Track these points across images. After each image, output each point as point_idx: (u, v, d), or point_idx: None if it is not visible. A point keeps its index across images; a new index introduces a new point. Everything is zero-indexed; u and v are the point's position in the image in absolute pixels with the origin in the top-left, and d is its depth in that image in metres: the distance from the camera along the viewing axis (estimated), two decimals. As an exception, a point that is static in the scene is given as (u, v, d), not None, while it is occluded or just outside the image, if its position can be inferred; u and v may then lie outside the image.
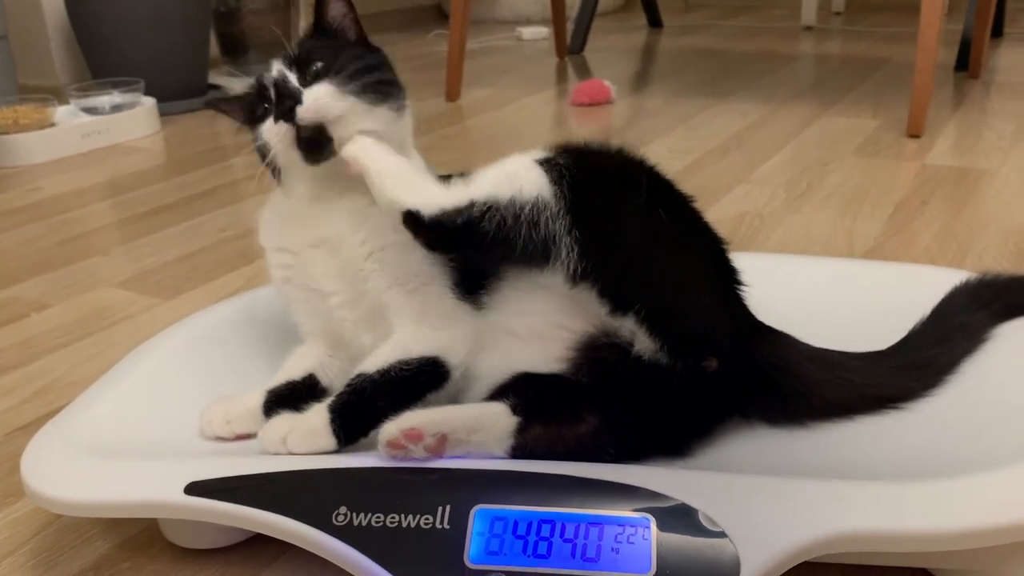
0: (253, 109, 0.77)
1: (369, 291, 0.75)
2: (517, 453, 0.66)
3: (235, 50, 2.69)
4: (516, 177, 0.66)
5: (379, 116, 0.75)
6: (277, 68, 0.75)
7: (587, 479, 0.64)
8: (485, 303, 0.73)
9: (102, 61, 2.35)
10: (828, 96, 2.28)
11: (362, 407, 0.70)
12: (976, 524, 0.59)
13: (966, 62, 2.40)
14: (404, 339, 0.73)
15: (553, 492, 0.63)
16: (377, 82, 0.75)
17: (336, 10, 0.78)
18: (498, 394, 0.72)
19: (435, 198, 0.66)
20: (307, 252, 0.77)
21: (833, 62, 2.78)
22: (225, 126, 2.29)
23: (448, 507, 0.63)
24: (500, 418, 0.67)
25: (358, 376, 0.71)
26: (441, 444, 0.64)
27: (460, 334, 0.73)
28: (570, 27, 2.98)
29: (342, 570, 0.72)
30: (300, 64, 0.74)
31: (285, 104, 0.73)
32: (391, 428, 0.65)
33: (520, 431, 0.66)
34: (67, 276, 1.37)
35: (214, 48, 2.65)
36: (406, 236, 0.68)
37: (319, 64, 0.73)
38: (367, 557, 0.61)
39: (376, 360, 0.72)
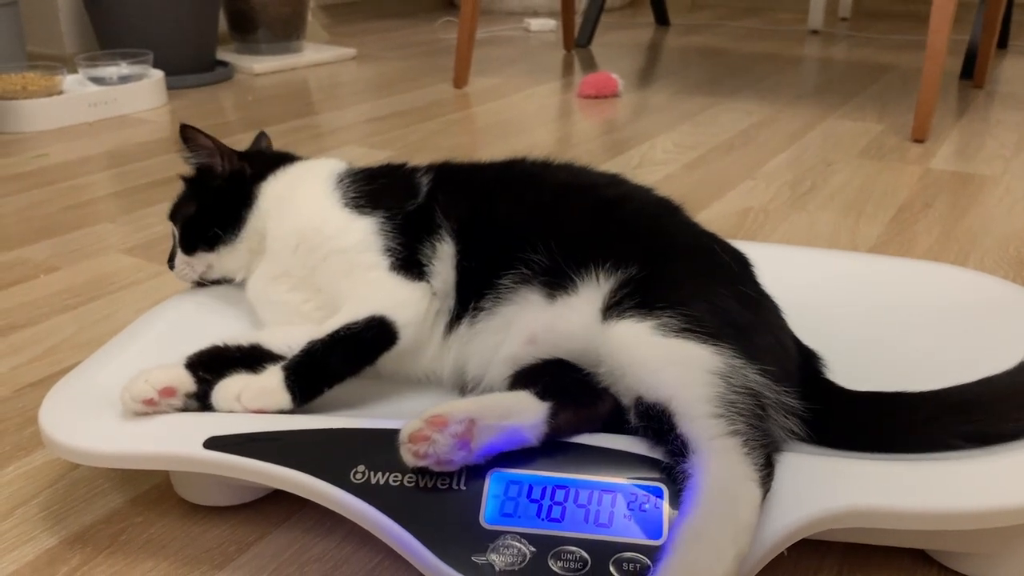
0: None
1: (324, 288, 0.83)
2: (548, 438, 0.66)
3: (244, 27, 2.69)
4: None
5: (221, 258, 0.89)
6: (173, 227, 0.91)
7: (602, 448, 0.65)
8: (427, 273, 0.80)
9: (111, 32, 2.34)
10: (833, 99, 2.30)
11: (315, 366, 0.74)
12: (975, 505, 0.61)
13: (971, 71, 2.42)
14: (350, 306, 0.78)
15: (568, 459, 0.65)
16: (205, 234, 0.88)
17: (194, 148, 0.89)
18: (515, 384, 0.73)
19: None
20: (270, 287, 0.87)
21: (838, 66, 2.80)
22: (231, 102, 2.30)
23: (464, 470, 0.64)
24: (530, 403, 0.67)
25: (310, 342, 0.75)
26: (470, 430, 0.63)
27: (403, 297, 0.78)
28: (578, 20, 2.99)
29: (350, 533, 0.74)
30: (173, 220, 0.91)
31: (171, 254, 0.92)
32: (413, 422, 0.63)
33: (552, 416, 0.66)
34: (74, 241, 1.38)
35: (222, 25, 2.64)
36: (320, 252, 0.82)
37: (177, 226, 0.90)
38: (384, 514, 0.62)
39: (326, 327, 0.76)
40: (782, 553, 0.60)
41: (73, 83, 2.12)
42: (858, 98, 2.31)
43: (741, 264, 0.80)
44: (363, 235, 0.81)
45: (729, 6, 3.96)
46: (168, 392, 0.71)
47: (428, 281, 0.79)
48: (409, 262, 0.80)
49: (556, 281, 0.75)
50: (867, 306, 0.91)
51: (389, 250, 0.80)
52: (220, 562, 0.71)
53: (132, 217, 1.47)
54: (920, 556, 0.71)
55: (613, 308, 0.71)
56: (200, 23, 2.46)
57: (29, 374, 0.99)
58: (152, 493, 0.79)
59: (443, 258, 0.80)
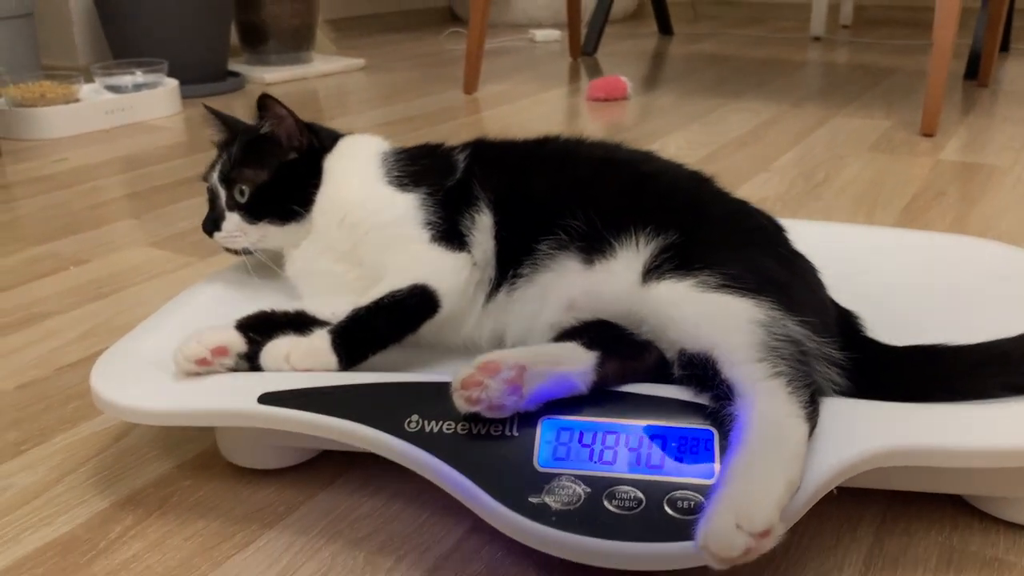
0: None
1: (366, 261, 0.84)
2: (597, 387, 0.67)
3: (255, 39, 2.72)
4: None
5: (285, 232, 0.87)
6: (215, 177, 0.88)
7: (649, 396, 0.66)
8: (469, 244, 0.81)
9: (124, 44, 2.37)
10: (840, 99, 2.32)
11: (360, 331, 0.76)
12: (1019, 443, 0.62)
13: (975, 72, 2.46)
14: (394, 276, 0.79)
15: (617, 407, 0.66)
16: (285, 206, 0.86)
17: (271, 117, 0.86)
18: (561, 338, 0.74)
19: None
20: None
21: (842, 69, 2.83)
22: (243, 111, 2.32)
23: (516, 417, 0.65)
24: (578, 352, 0.68)
25: (355, 308, 0.77)
26: (520, 376, 0.64)
27: (445, 266, 0.80)
28: (583, 31, 3.03)
29: (398, 492, 0.75)
30: (229, 183, 0.86)
31: (211, 216, 0.88)
32: (465, 369, 0.65)
33: (600, 364, 0.67)
34: (101, 235, 1.39)
35: (233, 38, 2.68)
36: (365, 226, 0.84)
37: (241, 187, 0.86)
38: (439, 459, 0.63)
39: (370, 294, 0.78)
40: (831, 492, 0.61)
41: (89, 92, 2.15)
42: (864, 98, 2.34)
43: (775, 228, 0.82)
44: (405, 210, 0.83)
45: (731, 16, 4.00)
46: (220, 351, 0.73)
47: (469, 251, 0.81)
48: (450, 233, 0.82)
49: (594, 246, 0.76)
50: (906, 278, 0.92)
51: (430, 224, 0.82)
52: (270, 520, 0.72)
53: (156, 215, 1.49)
54: (960, 504, 0.72)
55: (653, 271, 0.72)
56: (212, 34, 2.49)
57: (67, 355, 1.01)
58: (199, 459, 0.81)
59: (482, 229, 0.81)
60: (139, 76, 2.21)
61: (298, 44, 2.75)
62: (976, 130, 1.97)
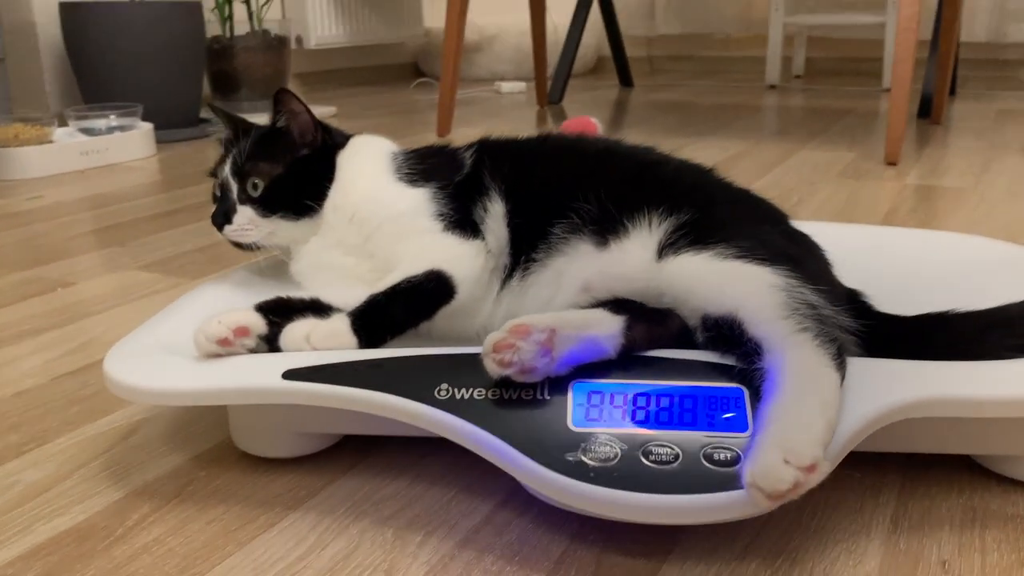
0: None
1: (378, 254, 0.84)
2: (625, 351, 0.68)
3: (226, 87, 2.74)
4: None
5: (297, 227, 0.87)
6: (227, 170, 0.87)
7: (676, 359, 0.67)
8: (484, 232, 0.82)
9: (97, 91, 2.37)
10: (803, 135, 2.40)
11: (378, 314, 0.76)
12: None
13: (928, 111, 2.56)
14: (409, 262, 0.80)
15: (645, 370, 0.67)
16: (299, 200, 0.86)
17: (286, 112, 0.87)
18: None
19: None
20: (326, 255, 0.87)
21: (800, 112, 2.92)
22: (217, 154, 2.33)
23: (546, 382, 0.65)
24: (606, 317, 0.69)
25: (372, 294, 0.77)
26: (551, 339, 0.64)
27: (460, 252, 0.80)
28: (549, 81, 3.10)
29: (420, 475, 0.75)
30: (242, 176, 0.86)
31: (221, 210, 0.87)
32: (496, 333, 0.65)
33: (628, 328, 0.68)
34: (85, 261, 1.38)
35: (206, 88, 2.69)
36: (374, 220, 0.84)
37: (254, 181, 0.85)
38: (472, 424, 0.63)
39: (386, 280, 0.79)
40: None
41: (62, 135, 2.14)
42: (825, 134, 2.42)
43: (780, 212, 0.84)
44: (416, 203, 0.84)
45: (686, 70, 4.13)
46: (242, 331, 0.72)
47: (483, 238, 0.82)
48: (463, 222, 0.83)
49: (607, 228, 0.78)
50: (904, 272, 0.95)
51: (442, 215, 0.83)
52: (293, 504, 0.71)
53: (141, 242, 1.48)
54: (975, 469, 0.74)
55: (669, 247, 0.74)
56: (185, 82, 2.51)
57: (64, 366, 0.99)
58: (212, 452, 0.79)
59: (495, 217, 0.83)
60: (113, 119, 2.20)
61: (269, 92, 2.76)
62: (935, 159, 2.05)
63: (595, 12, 3.35)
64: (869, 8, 3.27)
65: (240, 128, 0.90)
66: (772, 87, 3.47)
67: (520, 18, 3.62)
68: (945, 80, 2.55)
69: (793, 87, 3.51)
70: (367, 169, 0.88)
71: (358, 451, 0.78)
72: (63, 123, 2.19)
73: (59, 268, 1.34)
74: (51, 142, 2.06)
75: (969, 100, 3.01)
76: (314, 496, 0.72)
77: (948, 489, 0.72)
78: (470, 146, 0.91)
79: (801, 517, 0.68)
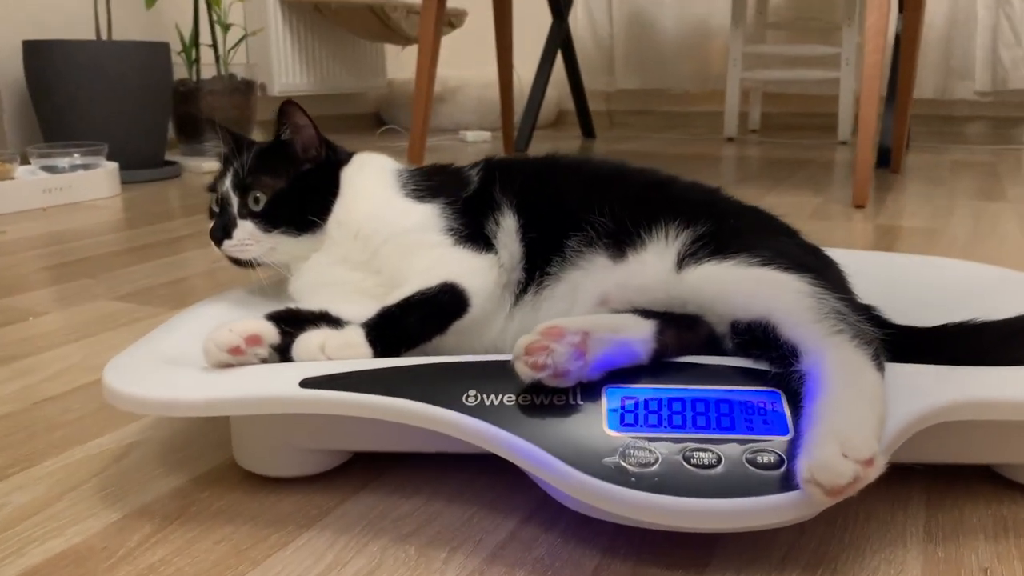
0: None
1: (385, 269, 0.82)
2: (657, 355, 0.66)
3: (191, 130, 2.70)
4: None
5: (298, 243, 0.84)
6: (227, 184, 0.85)
7: (709, 365, 0.66)
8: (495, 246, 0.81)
9: (60, 129, 2.32)
10: (767, 183, 2.44)
11: (392, 326, 0.74)
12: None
13: (887, 161, 2.64)
14: (421, 275, 0.78)
15: (679, 376, 0.65)
16: (302, 216, 0.84)
17: (291, 125, 0.86)
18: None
19: None
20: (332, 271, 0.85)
21: (761, 162, 2.98)
22: (185, 190, 2.28)
23: (578, 388, 0.63)
24: (637, 321, 0.68)
25: (384, 306, 0.75)
26: (584, 341, 0.63)
27: (472, 266, 0.79)
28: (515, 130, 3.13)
29: (436, 493, 0.72)
30: (243, 189, 0.84)
31: (220, 224, 0.84)
32: (528, 336, 0.63)
33: (660, 332, 0.67)
34: (56, 292, 1.32)
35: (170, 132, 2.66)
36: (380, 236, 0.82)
37: (256, 195, 0.83)
38: (505, 430, 0.61)
39: (398, 293, 0.76)
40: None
41: (25, 172, 2.08)
42: (790, 181, 2.47)
43: (790, 227, 0.84)
44: (425, 218, 0.83)
45: (646, 124, 4.20)
46: (255, 340, 0.69)
47: (495, 253, 0.80)
48: (474, 237, 0.81)
49: (624, 240, 0.77)
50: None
51: (452, 230, 0.82)
52: (305, 523, 0.67)
53: (113, 275, 1.43)
54: (999, 481, 0.73)
55: (690, 257, 0.73)
56: (151, 122, 2.47)
57: (44, 391, 0.94)
58: (213, 473, 0.75)
59: (507, 231, 0.81)
60: (77, 158, 2.15)
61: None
62: (901, 203, 2.10)
63: (557, 66, 3.41)
64: (823, 64, 3.38)
65: (241, 142, 0.88)
66: (730, 139, 3.54)
67: (481, 71, 3.68)
68: (903, 131, 2.63)
69: (750, 140, 3.60)
70: (373, 185, 0.87)
71: (368, 471, 0.75)
72: (25, 161, 2.13)
73: (29, 299, 1.29)
74: (12, 178, 2.00)
75: (923, 152, 3.11)
76: (327, 515, 0.69)
77: (975, 500, 0.71)
78: (475, 165, 0.90)
79: (834, 528, 0.66)
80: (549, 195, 0.83)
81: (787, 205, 2.06)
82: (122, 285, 1.36)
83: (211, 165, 2.60)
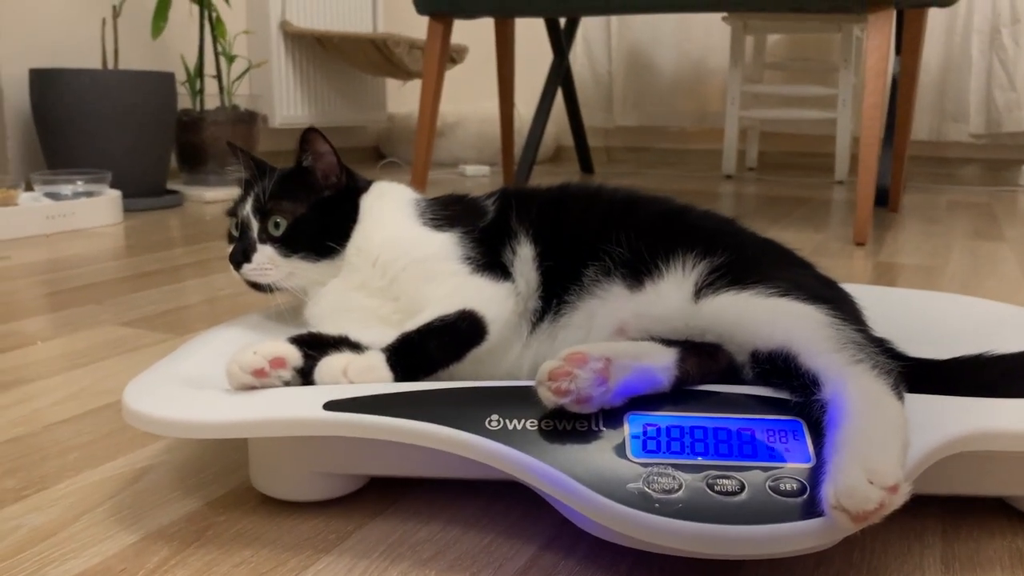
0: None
1: (403, 296, 0.83)
2: (678, 383, 0.67)
3: (194, 159, 2.72)
4: None
5: (317, 269, 0.85)
6: (248, 208, 0.85)
7: (729, 393, 0.66)
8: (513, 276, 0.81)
9: (64, 157, 2.33)
10: (767, 219, 2.46)
11: (412, 351, 0.74)
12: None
13: (885, 200, 2.66)
14: (439, 303, 0.78)
15: (700, 404, 0.65)
16: (321, 242, 0.84)
17: (312, 152, 0.86)
18: None
19: None
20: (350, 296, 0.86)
21: (760, 199, 3.01)
22: (186, 219, 2.29)
23: (600, 414, 0.64)
24: (658, 348, 0.68)
25: (403, 332, 0.76)
26: (607, 368, 0.63)
27: (490, 294, 0.79)
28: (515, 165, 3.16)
29: (454, 518, 0.72)
30: (264, 214, 0.85)
31: (240, 248, 0.84)
32: (551, 362, 0.63)
33: (682, 360, 0.68)
34: (63, 318, 1.32)
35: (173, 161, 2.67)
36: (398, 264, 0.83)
37: (277, 220, 0.84)
38: (528, 455, 0.61)
39: (417, 320, 0.77)
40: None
41: (28, 199, 2.09)
42: (789, 218, 2.49)
43: (806, 260, 0.85)
44: (442, 247, 0.83)
45: (643, 160, 4.24)
46: (278, 363, 0.69)
47: (512, 281, 0.81)
48: (491, 265, 0.82)
49: (641, 270, 0.78)
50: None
51: (469, 258, 0.82)
52: (324, 547, 0.67)
53: (118, 301, 1.43)
54: (1012, 513, 0.73)
55: (707, 287, 0.74)
56: (154, 151, 2.49)
57: (55, 415, 0.93)
58: (229, 497, 0.75)
59: (524, 260, 0.82)
60: (80, 185, 2.16)
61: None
62: (901, 241, 2.12)
63: (557, 102, 3.44)
64: (820, 105, 3.42)
65: (263, 168, 0.89)
66: (728, 177, 3.58)
67: (480, 107, 3.71)
68: (900, 171, 2.66)
69: (748, 177, 3.63)
70: (392, 213, 0.87)
71: (384, 496, 0.75)
72: (29, 188, 2.14)
73: (35, 323, 1.29)
74: (16, 205, 2.00)
75: (918, 192, 3.14)
76: (345, 540, 0.68)
77: (991, 532, 0.71)
78: (491, 195, 0.91)
79: (851, 558, 0.66)
80: (565, 224, 0.84)
81: (788, 241, 2.05)
82: (129, 311, 1.37)
83: (213, 195, 2.62)
